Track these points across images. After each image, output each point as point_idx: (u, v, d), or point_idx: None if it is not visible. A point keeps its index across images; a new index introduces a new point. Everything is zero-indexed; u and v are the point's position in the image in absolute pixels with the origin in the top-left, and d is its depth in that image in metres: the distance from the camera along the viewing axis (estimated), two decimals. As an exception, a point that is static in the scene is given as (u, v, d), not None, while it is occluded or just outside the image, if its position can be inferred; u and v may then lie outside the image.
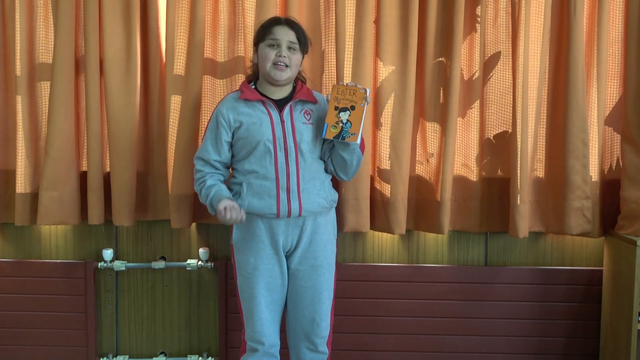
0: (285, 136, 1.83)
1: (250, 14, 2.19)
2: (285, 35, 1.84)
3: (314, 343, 1.95)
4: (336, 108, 1.81)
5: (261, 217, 1.85)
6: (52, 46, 2.17)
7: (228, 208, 1.74)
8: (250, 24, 2.19)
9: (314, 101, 1.92)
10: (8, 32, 2.23)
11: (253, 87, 1.92)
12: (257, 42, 1.90)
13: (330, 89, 1.86)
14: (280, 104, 1.87)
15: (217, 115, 1.87)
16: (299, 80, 1.96)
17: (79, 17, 2.21)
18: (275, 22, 1.88)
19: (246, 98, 1.85)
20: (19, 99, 2.20)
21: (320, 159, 1.94)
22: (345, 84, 1.84)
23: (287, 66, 1.84)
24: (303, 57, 1.92)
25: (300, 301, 1.93)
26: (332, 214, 2.00)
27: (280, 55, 1.83)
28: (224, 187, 1.86)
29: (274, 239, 1.87)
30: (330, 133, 1.82)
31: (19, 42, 2.18)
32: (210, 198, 1.83)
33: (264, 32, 1.87)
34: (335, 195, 1.96)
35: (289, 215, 1.83)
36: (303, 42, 1.88)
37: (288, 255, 1.92)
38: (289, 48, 1.85)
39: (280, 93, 1.90)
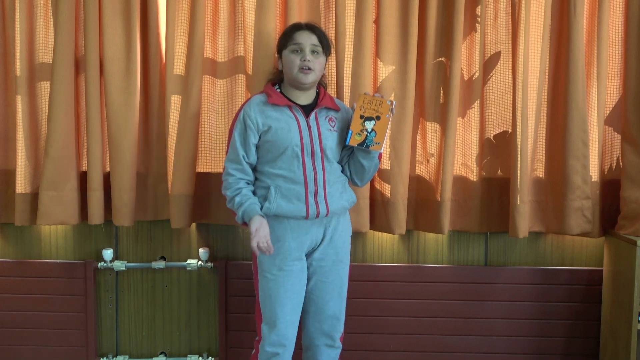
0: (312, 141, 1.85)
1: (250, 14, 2.19)
2: (308, 39, 1.86)
3: (333, 338, 1.97)
4: (361, 117, 1.85)
5: (288, 219, 1.86)
6: (52, 46, 2.17)
7: (259, 236, 1.77)
8: (250, 24, 2.19)
9: (337, 109, 1.95)
10: (8, 32, 2.23)
11: (278, 90, 1.93)
12: (280, 49, 1.92)
13: (357, 98, 1.90)
14: (305, 110, 1.89)
15: (245, 118, 1.87)
16: (320, 86, 1.98)
17: (79, 17, 2.21)
18: (296, 28, 1.90)
19: (274, 102, 1.86)
20: (19, 99, 2.20)
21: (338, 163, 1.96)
22: (371, 94, 1.88)
23: (311, 69, 1.86)
24: (326, 60, 1.95)
25: (322, 297, 1.94)
26: (348, 212, 2.03)
27: (304, 60, 1.84)
28: (256, 200, 1.85)
29: (300, 239, 1.87)
30: (354, 140, 1.86)
31: (19, 42, 2.18)
32: (243, 208, 1.82)
33: (286, 38, 1.89)
34: (354, 197, 1.99)
35: (317, 216, 1.85)
36: (326, 45, 1.91)
37: (310, 253, 1.92)
38: (313, 52, 1.87)
39: (305, 98, 1.92)
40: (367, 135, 1.85)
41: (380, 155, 1.94)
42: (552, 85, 2.27)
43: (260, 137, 1.87)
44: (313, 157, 1.85)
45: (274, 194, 1.83)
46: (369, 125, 1.85)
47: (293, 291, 1.88)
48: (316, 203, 1.84)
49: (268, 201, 1.83)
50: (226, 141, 1.99)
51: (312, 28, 1.89)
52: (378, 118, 1.85)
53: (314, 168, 1.85)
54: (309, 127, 1.86)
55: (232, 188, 1.86)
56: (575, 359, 2.39)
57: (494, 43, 2.28)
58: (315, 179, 1.85)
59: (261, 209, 1.84)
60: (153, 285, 2.41)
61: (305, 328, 1.98)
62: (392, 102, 1.85)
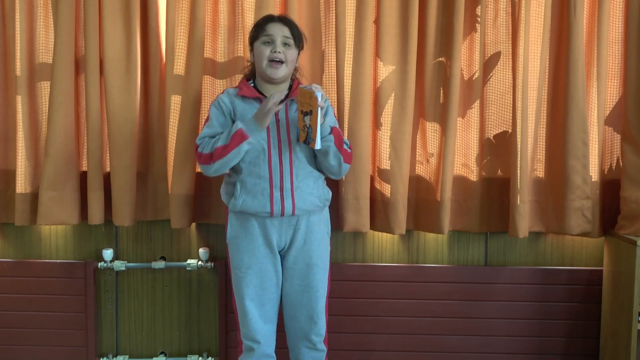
0: (280, 135, 1.83)
1: (250, 14, 2.19)
2: (279, 31, 1.85)
3: (312, 341, 1.96)
4: (302, 112, 1.76)
5: (255, 216, 1.85)
6: (52, 46, 2.17)
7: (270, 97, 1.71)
8: (250, 24, 2.18)
9: None
10: (8, 32, 2.23)
11: (252, 84, 1.93)
12: (252, 41, 1.91)
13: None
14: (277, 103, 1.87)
15: (220, 103, 1.88)
16: (295, 79, 1.97)
17: (79, 17, 2.21)
18: (268, 19, 1.89)
19: (243, 95, 1.87)
20: (19, 99, 2.19)
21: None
22: (308, 87, 1.74)
23: (282, 62, 1.84)
24: (299, 54, 1.93)
25: (296, 300, 1.93)
26: (326, 212, 2.00)
27: (275, 51, 1.83)
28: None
29: (267, 238, 1.87)
30: (301, 137, 1.80)
31: (19, 42, 2.18)
32: (228, 131, 1.78)
33: (257, 30, 1.88)
34: (329, 194, 1.96)
35: (282, 214, 1.83)
36: (297, 37, 1.89)
37: (283, 255, 1.92)
38: (284, 44, 1.85)
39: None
40: (307, 132, 1.76)
41: (338, 142, 1.83)
42: (552, 85, 2.27)
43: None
44: (280, 151, 1.83)
45: (239, 190, 1.82)
46: (307, 120, 1.75)
47: (262, 288, 1.88)
48: (281, 198, 1.81)
49: (234, 197, 1.83)
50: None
51: (284, 20, 1.88)
52: (311, 112, 1.73)
53: (280, 162, 1.82)
54: (277, 120, 1.85)
55: (212, 140, 1.80)
56: (575, 359, 2.39)
57: (494, 43, 2.28)
58: (281, 173, 1.82)
59: (229, 204, 1.85)
60: (153, 285, 2.41)
61: (286, 329, 1.99)
62: (317, 96, 1.67)
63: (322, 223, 1.96)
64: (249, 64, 1.99)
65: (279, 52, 1.83)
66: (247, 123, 1.77)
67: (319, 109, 1.71)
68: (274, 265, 1.90)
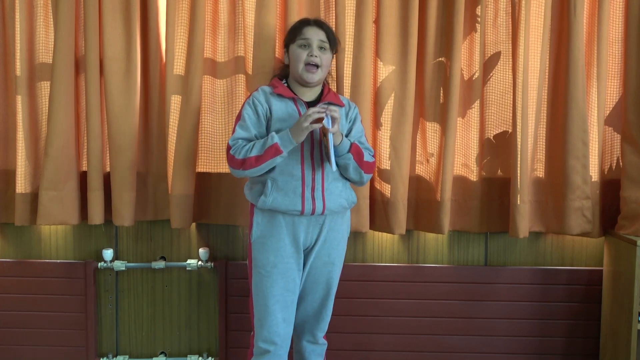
0: (313, 136, 1.84)
1: (250, 13, 2.19)
2: (316, 35, 1.87)
3: (315, 336, 1.99)
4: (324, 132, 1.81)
5: (283, 214, 1.85)
6: (52, 46, 2.17)
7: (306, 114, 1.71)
8: (250, 24, 2.19)
9: (341, 105, 1.94)
10: (8, 32, 2.23)
11: (285, 84, 1.94)
12: (287, 44, 1.93)
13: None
14: (310, 105, 1.88)
15: (254, 102, 1.87)
16: (325, 83, 1.99)
17: (79, 17, 2.21)
18: (304, 23, 1.90)
19: (280, 93, 1.87)
20: (19, 99, 2.20)
21: None
22: (324, 108, 1.76)
23: (318, 66, 1.86)
24: (333, 57, 1.95)
25: (310, 295, 1.95)
26: (348, 213, 2.01)
27: (311, 55, 1.85)
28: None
29: (295, 236, 1.87)
30: (324, 152, 1.84)
31: (19, 42, 2.18)
32: (264, 142, 1.77)
33: (294, 33, 1.90)
34: (354, 197, 1.97)
35: (312, 213, 1.84)
36: (333, 42, 1.91)
37: (306, 254, 1.92)
38: (320, 48, 1.87)
39: (310, 94, 1.92)
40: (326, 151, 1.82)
41: (357, 158, 1.86)
42: (552, 85, 2.27)
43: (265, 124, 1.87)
44: (312, 152, 1.84)
45: (270, 187, 1.82)
46: (324, 140, 1.81)
47: (286, 289, 1.87)
48: (312, 198, 1.83)
49: (264, 194, 1.82)
50: (226, 141, 1.98)
51: (319, 24, 1.90)
52: (325, 134, 1.80)
53: (312, 163, 1.84)
54: None
55: (247, 146, 1.79)
56: (575, 359, 2.39)
57: (494, 43, 2.29)
58: (313, 174, 1.84)
59: (257, 202, 1.84)
60: (153, 285, 2.41)
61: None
62: (328, 122, 1.71)
63: (344, 223, 1.98)
64: (282, 65, 2.00)
65: (316, 55, 1.85)
66: (283, 138, 1.76)
67: (329, 133, 1.74)
68: (298, 266, 1.89)
